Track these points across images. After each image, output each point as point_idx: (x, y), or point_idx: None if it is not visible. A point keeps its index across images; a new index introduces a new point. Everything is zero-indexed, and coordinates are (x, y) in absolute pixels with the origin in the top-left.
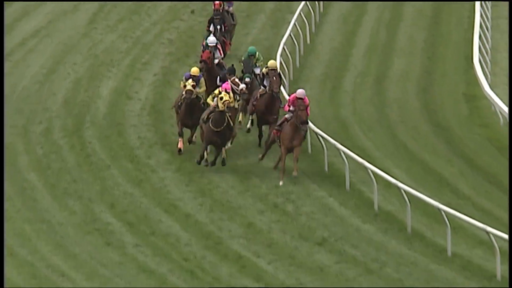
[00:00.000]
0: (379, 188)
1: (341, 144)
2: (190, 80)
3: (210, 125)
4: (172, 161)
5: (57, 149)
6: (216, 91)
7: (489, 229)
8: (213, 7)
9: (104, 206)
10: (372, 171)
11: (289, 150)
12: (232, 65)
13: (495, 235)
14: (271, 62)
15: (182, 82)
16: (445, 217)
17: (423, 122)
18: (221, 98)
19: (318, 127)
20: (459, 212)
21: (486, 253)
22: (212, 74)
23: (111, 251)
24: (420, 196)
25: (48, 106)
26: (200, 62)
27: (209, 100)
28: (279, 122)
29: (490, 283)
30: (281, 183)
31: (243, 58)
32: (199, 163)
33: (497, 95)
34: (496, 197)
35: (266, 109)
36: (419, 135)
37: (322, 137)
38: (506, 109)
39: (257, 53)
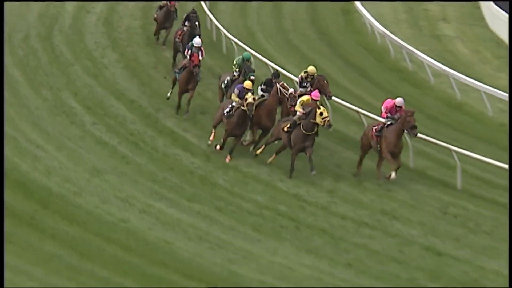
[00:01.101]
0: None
1: (249, 47)
2: (250, 93)
3: (302, 130)
4: (121, 60)
5: (33, 51)
6: (305, 98)
7: (357, 109)
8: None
9: (69, 94)
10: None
11: (392, 154)
12: (276, 70)
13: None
14: (311, 68)
15: (234, 95)
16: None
17: (310, 31)
18: (321, 114)
19: (231, 34)
20: (338, 97)
21: (358, 128)
22: (195, 75)
23: (74, 128)
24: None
25: (27, 18)
26: (194, 67)
27: (297, 107)
28: (378, 128)
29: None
30: (393, 174)
31: (236, 63)
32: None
33: (366, 10)
34: (366, 86)
35: None
36: (308, 40)
37: (235, 42)
38: (373, 20)
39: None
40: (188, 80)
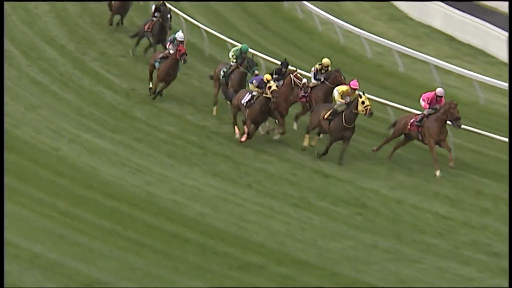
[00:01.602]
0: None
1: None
2: (272, 82)
3: (343, 121)
4: (52, 11)
5: None
6: (344, 88)
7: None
8: None
9: (7, 40)
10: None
11: (437, 143)
12: (285, 59)
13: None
14: (325, 60)
15: (252, 86)
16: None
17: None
18: (363, 103)
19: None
20: (237, 41)
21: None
22: (176, 67)
23: (12, 70)
24: (215, 33)
25: None
26: (182, 55)
27: (337, 97)
28: (419, 118)
29: None
30: (438, 173)
31: (233, 54)
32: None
33: None
34: (262, 33)
35: (325, 98)
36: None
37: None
38: None
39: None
40: (169, 70)
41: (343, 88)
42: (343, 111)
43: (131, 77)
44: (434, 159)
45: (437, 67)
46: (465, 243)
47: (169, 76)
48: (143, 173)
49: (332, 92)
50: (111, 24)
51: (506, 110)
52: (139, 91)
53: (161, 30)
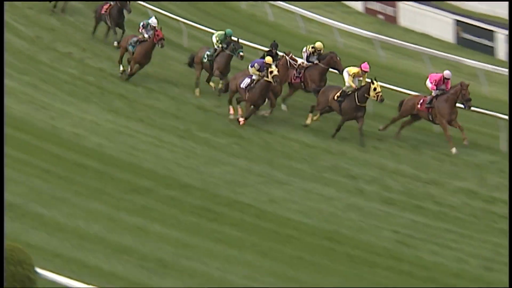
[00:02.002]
0: None
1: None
2: (274, 66)
3: (356, 100)
4: None
5: None
6: (355, 70)
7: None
8: None
9: None
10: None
11: (448, 122)
12: (274, 40)
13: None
14: (318, 44)
15: (253, 69)
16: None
17: None
18: (375, 89)
19: None
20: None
21: None
22: (152, 50)
23: None
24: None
25: None
26: (160, 39)
27: (349, 80)
28: (428, 100)
29: None
30: (453, 150)
31: (218, 38)
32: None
33: None
34: (194, 12)
35: (320, 78)
36: None
37: None
38: None
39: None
40: (146, 54)
41: (354, 70)
42: (354, 92)
43: (36, 26)
44: (448, 137)
45: (302, 16)
46: (326, 167)
47: (146, 59)
48: (48, 110)
49: (325, 73)
50: (54, 6)
51: (361, 53)
52: (44, 38)
53: (119, 14)
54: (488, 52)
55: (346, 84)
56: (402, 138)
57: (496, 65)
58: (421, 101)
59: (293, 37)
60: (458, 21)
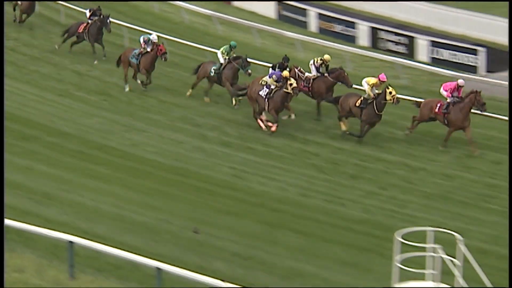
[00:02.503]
0: None
1: None
2: (292, 79)
3: (375, 109)
4: None
5: None
6: (374, 81)
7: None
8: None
9: None
10: None
11: (460, 128)
12: (285, 55)
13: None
14: (327, 57)
15: (271, 80)
16: None
17: None
18: (390, 93)
19: None
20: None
21: None
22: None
23: None
24: None
25: None
26: (164, 53)
27: (368, 89)
28: (445, 106)
29: None
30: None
31: (224, 51)
32: (359, 136)
33: None
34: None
35: (327, 90)
36: None
37: None
38: None
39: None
40: (152, 62)
41: (372, 81)
42: (373, 100)
43: None
44: (447, 137)
45: None
46: (177, 118)
47: (152, 67)
48: None
49: (333, 86)
50: (19, 22)
51: (203, 27)
52: None
53: (98, 32)
54: (302, 26)
55: (367, 92)
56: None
57: (309, 36)
58: (438, 105)
59: (146, 14)
60: (279, 1)
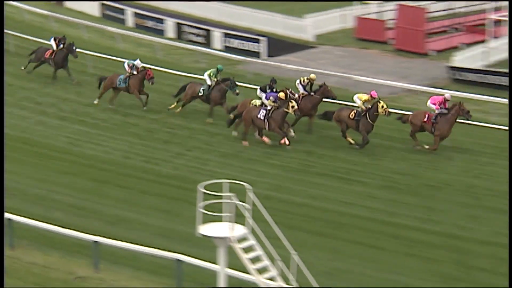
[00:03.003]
0: None
1: None
2: (294, 101)
3: (369, 119)
4: None
5: None
6: (366, 97)
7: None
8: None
9: None
10: None
11: (444, 137)
12: (273, 77)
13: None
14: (313, 76)
15: (269, 101)
16: None
17: None
18: (382, 106)
19: None
20: None
21: None
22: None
23: None
24: None
25: None
26: (151, 78)
27: (360, 104)
28: (434, 117)
29: None
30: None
31: (212, 73)
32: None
33: None
34: None
35: (312, 107)
36: None
37: None
38: None
39: None
40: (141, 83)
41: (364, 97)
42: (366, 112)
43: None
44: (435, 146)
45: None
46: (22, 97)
47: (142, 87)
48: None
49: (318, 103)
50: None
51: (40, 24)
52: None
53: (64, 59)
54: (121, 22)
55: (360, 106)
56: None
57: (127, 30)
58: (427, 116)
59: None
60: (103, 3)
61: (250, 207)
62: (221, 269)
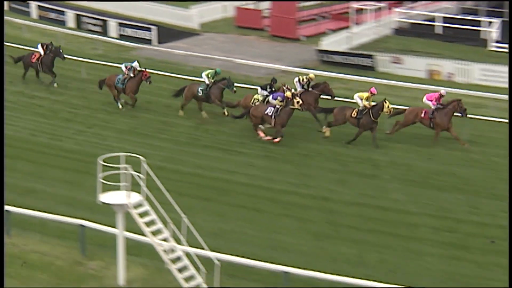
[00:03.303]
0: None
1: None
2: (298, 97)
3: (371, 116)
4: None
5: None
6: (366, 95)
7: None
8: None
9: None
10: None
11: (447, 130)
12: (273, 77)
13: None
14: (312, 75)
15: (277, 101)
16: None
17: None
18: (388, 106)
19: None
20: None
21: None
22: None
23: None
24: None
25: None
26: (148, 78)
27: (364, 102)
28: (431, 112)
29: None
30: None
31: (210, 75)
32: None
33: None
34: None
35: (315, 103)
36: None
37: None
38: None
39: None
40: (137, 86)
41: (364, 94)
42: (369, 110)
43: None
44: (435, 139)
45: None
46: None
47: (137, 91)
48: None
49: (318, 98)
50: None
51: None
52: None
53: (51, 62)
54: (27, 14)
55: (360, 105)
56: None
57: (32, 21)
58: (424, 112)
59: None
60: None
61: (144, 177)
62: (120, 233)
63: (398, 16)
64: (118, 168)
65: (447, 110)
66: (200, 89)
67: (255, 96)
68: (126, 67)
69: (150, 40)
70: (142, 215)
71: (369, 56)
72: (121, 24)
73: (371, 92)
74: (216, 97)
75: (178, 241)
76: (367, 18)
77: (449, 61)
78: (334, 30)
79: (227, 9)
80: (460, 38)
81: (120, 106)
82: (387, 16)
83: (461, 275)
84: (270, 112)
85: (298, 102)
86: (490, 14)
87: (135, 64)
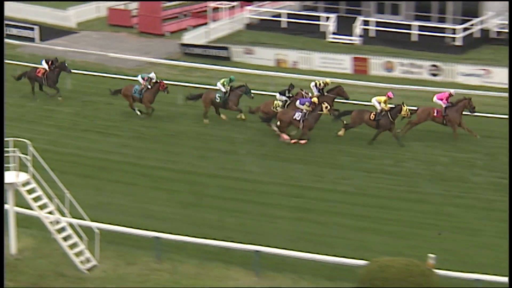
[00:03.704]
0: None
1: None
2: (326, 103)
3: (390, 117)
4: None
5: None
6: (383, 98)
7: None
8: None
9: None
10: None
11: (459, 125)
12: (291, 83)
13: None
14: (329, 80)
15: (305, 106)
16: None
17: None
18: (406, 110)
19: None
20: None
21: None
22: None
23: None
24: None
25: None
26: (166, 88)
27: (382, 105)
28: (443, 111)
29: None
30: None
31: (225, 82)
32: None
33: None
34: None
35: (332, 105)
36: None
37: None
38: None
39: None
40: (154, 96)
41: (382, 98)
42: (387, 112)
43: None
44: (455, 135)
45: None
46: None
47: (153, 101)
48: None
49: (334, 100)
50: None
51: None
52: None
53: (57, 77)
54: None
55: (378, 108)
56: None
57: None
58: (436, 111)
59: None
60: None
61: (31, 158)
62: (10, 208)
63: (249, 13)
64: (7, 152)
65: (458, 107)
66: (218, 96)
67: (275, 102)
68: (143, 78)
69: (33, 38)
70: (29, 191)
71: (225, 48)
72: (7, 25)
73: (388, 96)
74: (234, 104)
75: (62, 214)
76: (223, 15)
77: (293, 51)
78: (194, 26)
79: (100, 9)
80: (303, 31)
81: (138, 113)
82: (239, 13)
83: (307, 233)
84: (298, 117)
85: (326, 107)
86: (327, 10)
87: (152, 75)
